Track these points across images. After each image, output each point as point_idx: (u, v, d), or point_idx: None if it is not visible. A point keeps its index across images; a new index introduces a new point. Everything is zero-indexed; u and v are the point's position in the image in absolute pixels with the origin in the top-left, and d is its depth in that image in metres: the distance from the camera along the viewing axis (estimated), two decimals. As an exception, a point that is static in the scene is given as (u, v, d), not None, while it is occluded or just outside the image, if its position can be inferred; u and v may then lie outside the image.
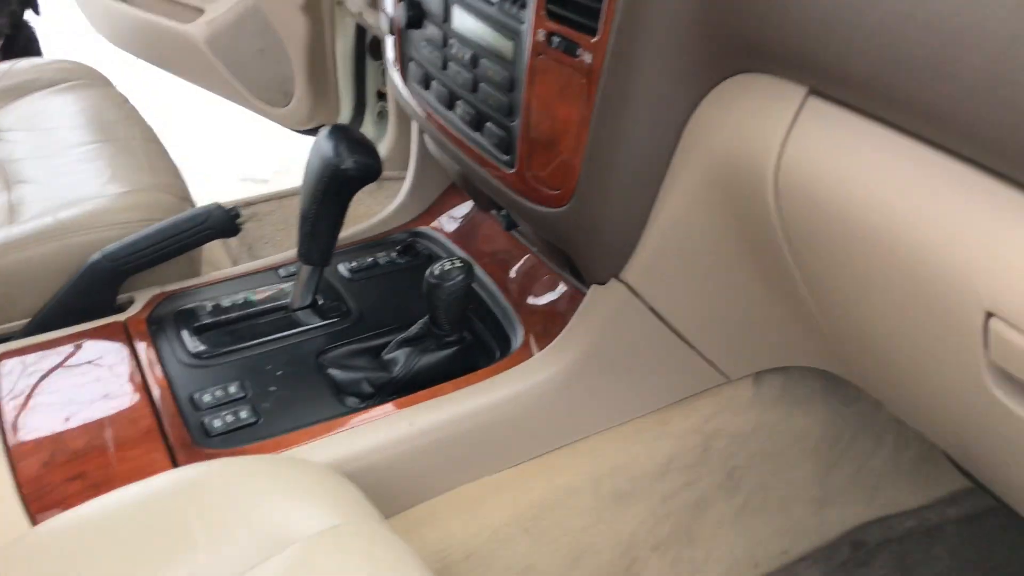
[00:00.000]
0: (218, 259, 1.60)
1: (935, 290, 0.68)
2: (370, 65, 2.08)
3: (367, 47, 2.03)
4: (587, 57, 0.85)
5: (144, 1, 2.27)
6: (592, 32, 0.83)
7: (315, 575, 0.71)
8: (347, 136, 1.09)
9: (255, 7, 2.06)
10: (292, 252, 1.32)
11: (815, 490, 1.25)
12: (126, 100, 1.60)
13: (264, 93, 2.20)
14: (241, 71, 2.19)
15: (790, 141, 0.77)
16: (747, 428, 1.15)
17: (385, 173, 1.90)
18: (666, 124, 0.86)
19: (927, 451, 1.30)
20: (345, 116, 2.16)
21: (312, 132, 2.24)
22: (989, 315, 0.64)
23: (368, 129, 2.16)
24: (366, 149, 1.09)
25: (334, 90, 2.12)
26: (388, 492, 0.98)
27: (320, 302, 1.18)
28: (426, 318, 1.07)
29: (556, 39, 0.87)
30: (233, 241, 1.82)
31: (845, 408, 1.23)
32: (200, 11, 2.20)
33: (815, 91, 0.75)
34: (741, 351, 1.07)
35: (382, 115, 2.16)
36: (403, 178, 1.43)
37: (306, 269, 1.15)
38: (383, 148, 1.99)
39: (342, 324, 1.15)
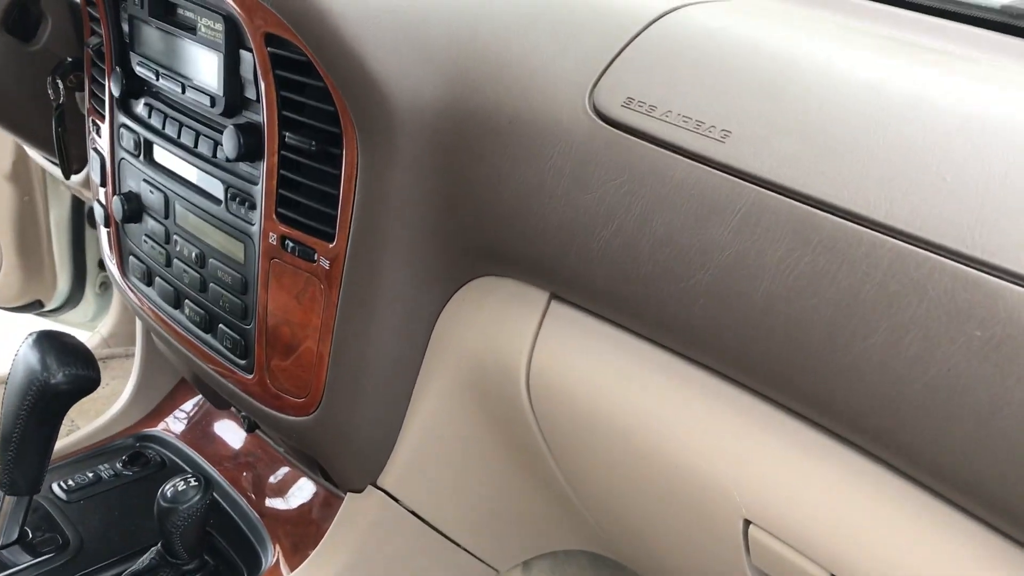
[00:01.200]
0: None
1: (694, 496, 0.68)
2: (90, 233, 1.93)
3: (86, 215, 1.89)
4: (325, 263, 0.80)
5: None
6: (328, 238, 0.79)
7: None
8: (56, 344, 0.97)
9: (-50, 177, 1.86)
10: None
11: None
12: None
13: (-38, 267, 1.97)
14: (-67, 245, 1.96)
15: (538, 344, 0.75)
16: (520, 616, 1.10)
17: (111, 350, 1.74)
18: (413, 326, 0.83)
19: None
20: (63, 289, 1.98)
21: (23, 309, 2.03)
22: (747, 523, 0.64)
23: (89, 302, 1.99)
24: (80, 358, 0.97)
25: (49, 262, 1.95)
26: None
27: (29, 535, 1.02)
28: (158, 546, 0.94)
29: (290, 243, 0.82)
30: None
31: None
32: None
33: (557, 296, 0.74)
34: (508, 543, 1.03)
35: (104, 286, 1.99)
36: (130, 355, 1.30)
37: (10, 500, 0.99)
38: (108, 323, 1.82)
39: (59, 559, 1.00)
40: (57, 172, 1.34)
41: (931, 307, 0.51)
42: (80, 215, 1.90)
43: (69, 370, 0.95)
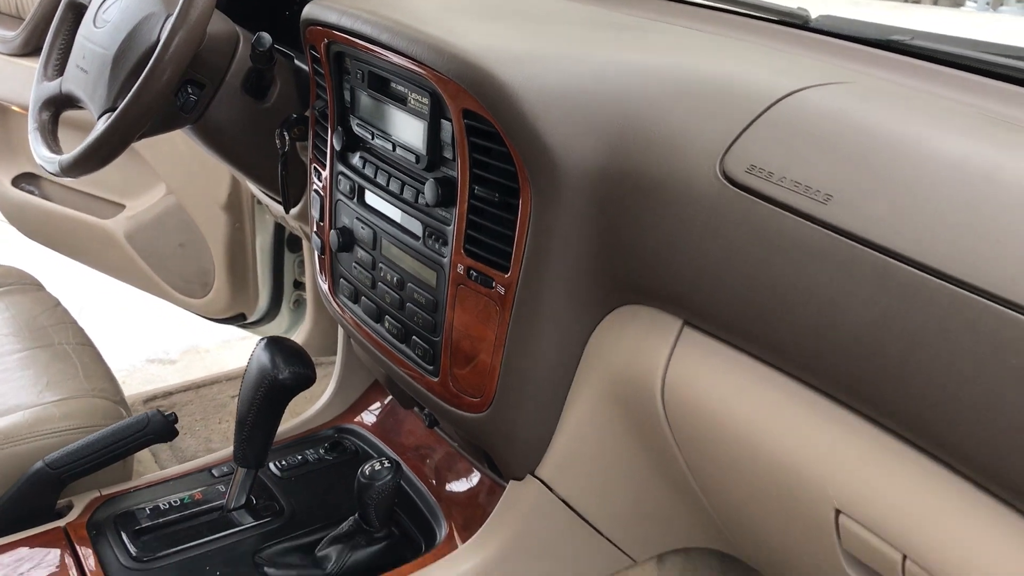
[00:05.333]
0: (142, 454, 1.65)
1: (795, 491, 0.83)
2: (288, 258, 2.21)
3: (285, 242, 2.17)
4: (500, 289, 1.00)
5: (64, 196, 2.37)
6: (504, 269, 0.99)
7: None
8: (283, 347, 1.21)
9: (177, 205, 2.18)
10: (223, 452, 1.40)
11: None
12: (58, 303, 1.68)
13: (182, 284, 2.29)
14: (159, 264, 2.29)
15: (672, 365, 0.92)
16: (653, 605, 1.26)
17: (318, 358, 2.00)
18: (569, 344, 1.02)
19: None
20: (263, 304, 2.26)
21: (229, 321, 2.34)
22: (838, 512, 0.79)
23: (284, 317, 2.26)
24: (301, 359, 1.20)
25: (253, 281, 2.22)
26: None
27: (254, 502, 1.26)
28: (355, 515, 1.16)
29: (474, 272, 1.02)
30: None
31: (742, 582, 1.35)
32: (121, 206, 2.31)
33: (689, 323, 0.91)
34: (645, 535, 1.19)
35: (298, 303, 2.27)
36: (320, 363, 1.53)
37: (241, 471, 1.24)
38: (302, 334, 2.10)
39: (275, 523, 1.23)
40: (270, 203, 1.60)
41: (979, 339, 0.65)
42: (281, 242, 2.19)
43: (294, 368, 1.18)
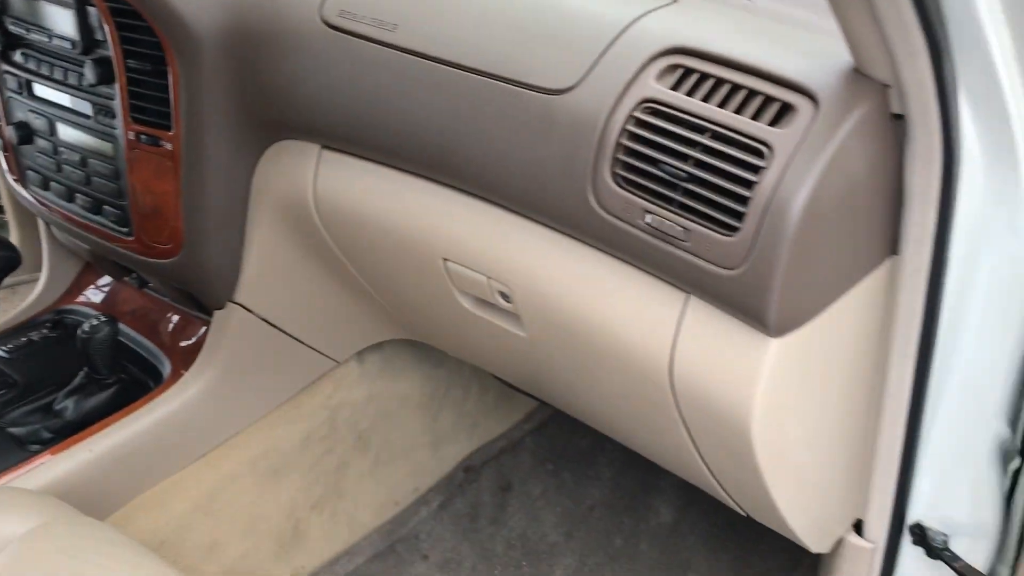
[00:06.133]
0: None
1: (418, 255, 1.10)
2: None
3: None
4: (168, 146, 1.18)
5: None
6: (168, 128, 1.17)
7: (30, 559, 0.95)
8: (-18, 238, 1.33)
9: None
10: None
11: (428, 437, 1.66)
12: None
13: None
14: None
15: (318, 181, 1.16)
16: (362, 398, 1.53)
17: (18, 277, 2.06)
18: (237, 182, 1.22)
19: (503, 389, 1.75)
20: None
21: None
22: (445, 260, 1.07)
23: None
24: (3, 244, 1.33)
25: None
26: (83, 506, 1.22)
27: (-14, 382, 1.39)
28: (85, 369, 1.33)
29: (143, 136, 1.20)
30: None
31: (436, 370, 1.65)
32: None
33: (325, 146, 1.15)
34: (341, 338, 1.44)
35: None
36: (35, 280, 1.64)
37: (-36, 360, 1.35)
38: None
39: (10, 393, 1.37)
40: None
41: (493, 109, 0.93)
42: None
43: (-3, 252, 1.31)
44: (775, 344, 0.82)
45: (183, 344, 1.45)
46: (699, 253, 0.82)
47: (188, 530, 1.34)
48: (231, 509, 1.39)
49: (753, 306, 0.80)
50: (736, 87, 0.83)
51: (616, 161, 0.86)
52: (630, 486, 1.66)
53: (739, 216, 0.79)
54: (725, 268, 0.81)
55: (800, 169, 0.77)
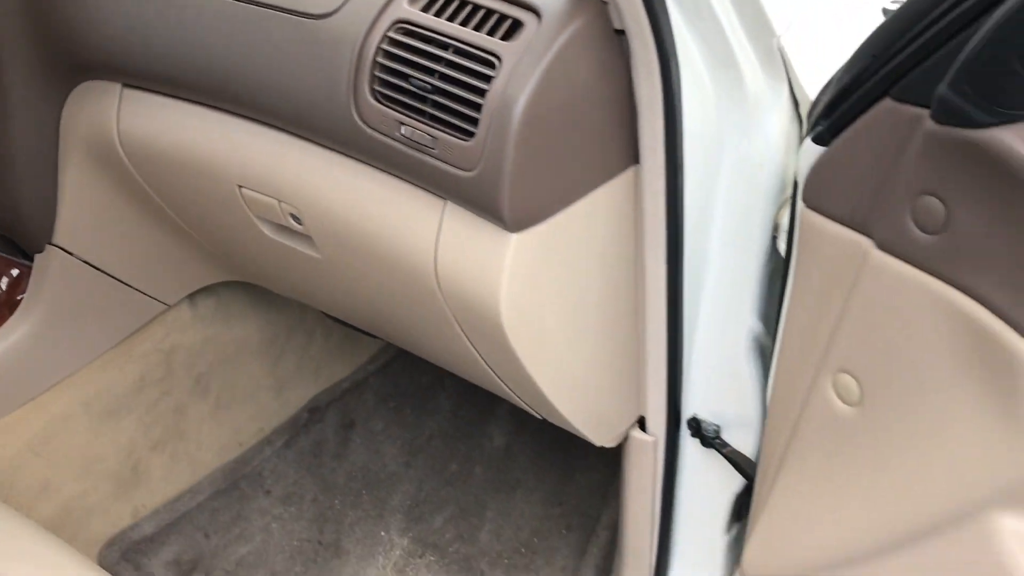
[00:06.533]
0: None
1: (216, 186, 1.16)
2: None
3: None
4: (-27, 89, 1.21)
5: None
6: (-30, 70, 1.20)
7: None
8: None
9: None
10: None
11: (271, 380, 1.72)
12: None
13: None
14: None
15: (120, 119, 1.20)
16: (198, 342, 1.57)
17: None
18: (44, 125, 1.26)
19: (348, 333, 1.82)
20: None
21: None
22: (240, 187, 1.13)
23: None
24: None
25: None
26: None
27: None
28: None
29: (-53, 80, 1.22)
30: None
31: (276, 315, 1.70)
32: None
33: (125, 84, 1.19)
34: (169, 280, 1.48)
35: None
36: None
37: None
38: None
39: None
40: None
41: (266, 36, 0.99)
42: None
43: None
44: (515, 239, 0.91)
45: (11, 295, 1.47)
46: (445, 159, 0.90)
47: (19, 471, 1.38)
48: (65, 449, 1.42)
49: (490, 203, 0.89)
50: (476, 7, 0.91)
51: (374, 78, 0.94)
52: (468, 416, 1.75)
53: (474, 121, 0.87)
54: (465, 170, 0.89)
55: (522, 76, 0.86)
